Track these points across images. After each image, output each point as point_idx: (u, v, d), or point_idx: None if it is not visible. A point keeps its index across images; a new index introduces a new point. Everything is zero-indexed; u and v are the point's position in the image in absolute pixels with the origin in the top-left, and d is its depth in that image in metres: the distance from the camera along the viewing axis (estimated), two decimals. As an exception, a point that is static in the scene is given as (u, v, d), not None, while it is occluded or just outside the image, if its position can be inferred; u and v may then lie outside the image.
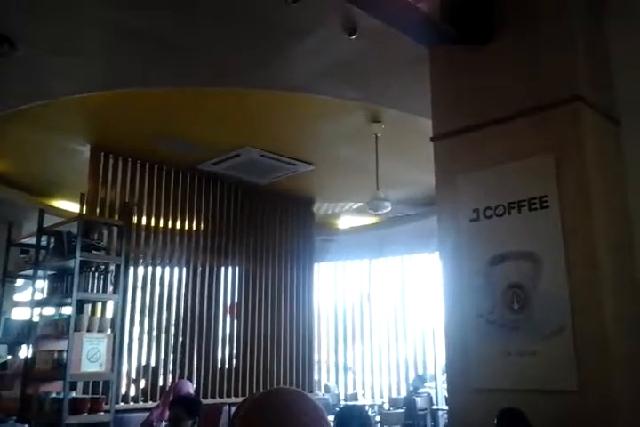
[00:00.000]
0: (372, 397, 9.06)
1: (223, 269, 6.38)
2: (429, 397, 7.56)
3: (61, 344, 4.71)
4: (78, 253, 4.75)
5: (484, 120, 2.41)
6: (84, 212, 5.13)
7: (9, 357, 5.38)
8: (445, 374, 2.63)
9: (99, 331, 4.83)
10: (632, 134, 2.33)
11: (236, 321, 6.39)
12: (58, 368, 4.61)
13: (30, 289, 5.35)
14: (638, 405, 2.01)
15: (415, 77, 2.99)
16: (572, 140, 2.16)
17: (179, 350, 5.83)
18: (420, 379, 8.17)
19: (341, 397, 8.74)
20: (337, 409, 5.46)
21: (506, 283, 2.15)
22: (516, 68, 2.39)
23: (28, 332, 4.98)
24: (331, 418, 1.51)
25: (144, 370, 5.56)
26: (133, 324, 5.49)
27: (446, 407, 2.39)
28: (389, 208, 5.44)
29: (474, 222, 2.30)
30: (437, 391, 8.06)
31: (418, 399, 7.22)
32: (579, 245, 2.04)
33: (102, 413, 4.65)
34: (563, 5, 2.32)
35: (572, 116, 2.19)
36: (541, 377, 2.01)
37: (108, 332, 4.93)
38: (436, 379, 8.34)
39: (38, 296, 5.16)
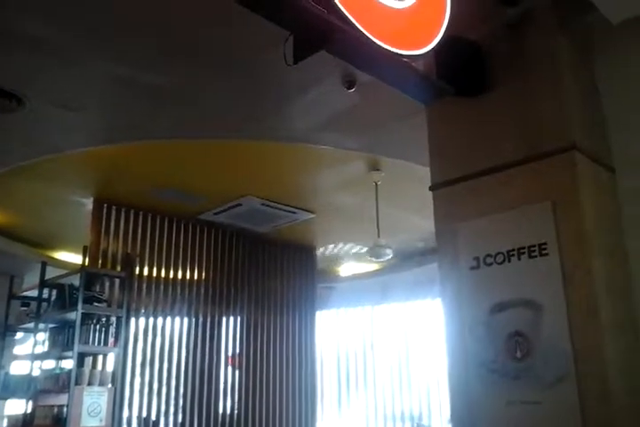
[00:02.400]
0: (378, 449, 8.82)
1: (225, 318, 6.35)
2: (436, 448, 7.37)
3: (61, 399, 4.65)
4: (80, 305, 4.75)
5: (481, 169, 2.45)
6: (87, 264, 5.15)
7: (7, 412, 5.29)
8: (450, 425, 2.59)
9: (100, 385, 4.77)
10: (626, 181, 2.38)
11: (237, 372, 6.30)
12: (57, 423, 4.54)
13: (29, 342, 5.31)
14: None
15: (413, 127, 3.07)
16: (568, 187, 2.20)
17: (180, 402, 5.74)
18: (420, 428, 7.96)
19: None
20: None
21: (507, 331, 2.15)
22: (510, 117, 2.45)
23: (27, 386, 4.92)
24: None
25: (144, 424, 5.46)
26: (134, 376, 5.42)
27: (454, 459, 2.35)
28: (391, 255, 5.46)
29: (474, 270, 2.32)
30: (444, 442, 7.86)
31: (424, 451, 7.03)
32: (578, 292, 2.05)
33: (102, 469, 4.55)
34: (555, 57, 2.40)
35: (568, 165, 2.23)
36: (546, 426, 1.99)
37: (109, 385, 4.87)
38: (442, 429, 8.14)
39: (39, 349, 5.12)
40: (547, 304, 2.09)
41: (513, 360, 2.10)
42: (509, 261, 2.23)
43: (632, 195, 2.34)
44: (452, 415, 2.34)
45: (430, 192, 2.64)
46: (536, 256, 2.17)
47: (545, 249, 2.16)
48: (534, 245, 2.19)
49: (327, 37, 1.79)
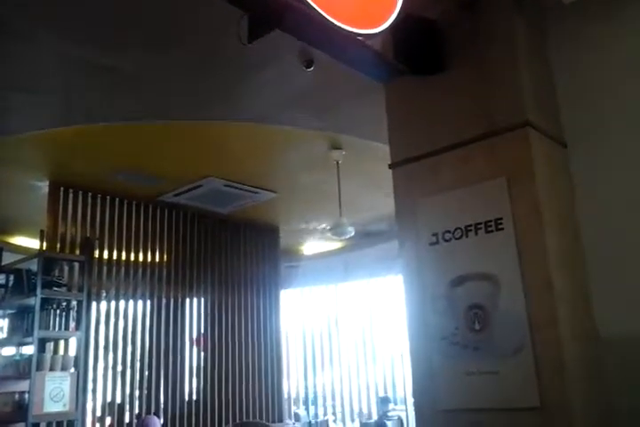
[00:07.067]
0: (344, 423, 8.99)
1: (188, 300, 6.33)
2: (400, 420, 7.53)
3: (23, 385, 4.60)
4: (39, 290, 4.68)
5: (439, 147, 2.49)
6: (44, 248, 5.05)
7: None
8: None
9: (62, 369, 4.73)
10: (577, 156, 2.45)
11: (202, 353, 6.31)
12: (19, 410, 4.49)
13: (-11, 329, 5.22)
14: (599, 416, 2.07)
15: (373, 105, 3.07)
16: (522, 162, 2.25)
17: (145, 384, 5.73)
18: (384, 401, 8.09)
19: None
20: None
21: (467, 304, 2.21)
22: (467, 95, 2.48)
23: (-13, 373, 4.85)
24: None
25: (109, 407, 5.44)
26: (97, 360, 5.38)
27: (416, 430, 2.42)
28: (353, 233, 5.51)
29: (433, 246, 2.36)
30: (408, 414, 8.04)
31: (388, 423, 7.19)
32: (533, 265, 2.12)
33: (67, 454, 4.54)
34: (510, 35, 2.43)
35: (522, 141, 2.28)
36: (504, 395, 2.06)
37: (72, 370, 4.83)
38: (406, 402, 8.32)
39: (-2, 336, 5.04)
40: (503, 277, 2.15)
41: (472, 332, 2.17)
42: (467, 236, 2.29)
43: (583, 169, 2.41)
44: (414, 387, 2.40)
45: (390, 170, 2.67)
46: (492, 231, 2.23)
47: (501, 224, 2.22)
48: (490, 221, 2.24)
49: (281, 16, 1.77)
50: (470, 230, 2.28)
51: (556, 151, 2.44)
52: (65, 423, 4.83)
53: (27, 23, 3.13)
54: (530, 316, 2.06)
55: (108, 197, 5.81)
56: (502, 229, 2.21)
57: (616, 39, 2.44)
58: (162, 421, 5.60)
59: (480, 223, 2.27)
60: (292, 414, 8.76)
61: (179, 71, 3.66)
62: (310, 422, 8.66)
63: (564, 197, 2.36)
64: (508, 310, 2.10)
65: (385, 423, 7.12)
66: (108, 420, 5.45)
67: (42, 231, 5.09)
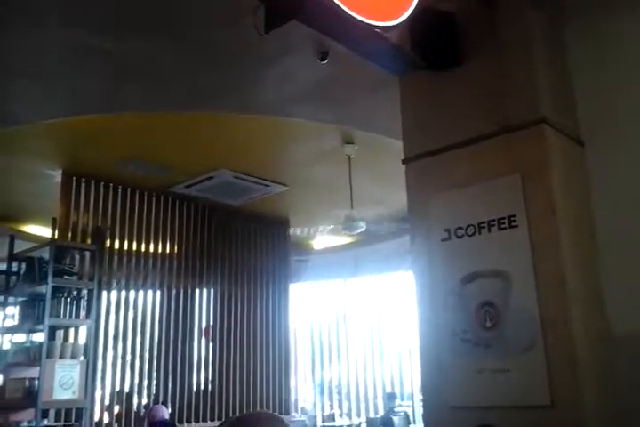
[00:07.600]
0: (350, 417, 9.01)
1: (198, 291, 6.35)
2: (406, 416, 7.53)
3: (33, 372, 4.64)
4: (50, 278, 4.71)
5: (453, 142, 2.47)
6: (56, 236, 5.08)
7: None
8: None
9: (71, 357, 4.77)
10: (594, 154, 2.41)
11: (211, 344, 6.34)
12: (29, 396, 4.53)
13: (0, 316, 5.27)
14: (611, 416, 2.05)
15: (387, 100, 3.05)
16: (538, 159, 2.23)
17: (153, 374, 5.76)
18: (390, 397, 8.09)
19: (318, 418, 8.67)
20: None
21: (478, 301, 2.19)
22: (482, 91, 2.46)
23: (-2, 359, 4.90)
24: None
25: (118, 396, 5.48)
26: (107, 349, 5.42)
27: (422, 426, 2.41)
28: (364, 228, 5.50)
29: (445, 242, 2.34)
30: (414, 410, 8.04)
31: (395, 419, 7.19)
32: (546, 263, 2.09)
33: (75, 441, 4.57)
34: (527, 30, 2.40)
35: (537, 137, 2.26)
36: (515, 393, 2.04)
37: (81, 358, 4.86)
38: (412, 397, 8.32)
39: (9, 323, 5.08)
40: (516, 275, 2.13)
41: (483, 329, 2.15)
42: (480, 233, 2.26)
43: (600, 167, 2.38)
44: (423, 384, 2.39)
45: (403, 166, 2.65)
46: (505, 228, 2.21)
47: (514, 221, 2.19)
48: (504, 218, 2.22)
49: (299, 6, 1.76)
50: (483, 227, 2.26)
51: (573, 149, 2.41)
52: (74, 411, 4.88)
53: (31, 10, 3.11)
54: (542, 314, 2.04)
55: (120, 188, 5.84)
56: (516, 226, 2.18)
57: (634, 37, 2.41)
58: (169, 410, 5.64)
59: (493, 220, 2.24)
60: (299, 407, 8.79)
61: (190, 63, 3.65)
62: (316, 415, 8.68)
63: (579, 195, 2.33)
64: (520, 308, 2.08)
65: (391, 419, 7.11)
66: (116, 408, 5.49)
67: (54, 220, 5.12)
